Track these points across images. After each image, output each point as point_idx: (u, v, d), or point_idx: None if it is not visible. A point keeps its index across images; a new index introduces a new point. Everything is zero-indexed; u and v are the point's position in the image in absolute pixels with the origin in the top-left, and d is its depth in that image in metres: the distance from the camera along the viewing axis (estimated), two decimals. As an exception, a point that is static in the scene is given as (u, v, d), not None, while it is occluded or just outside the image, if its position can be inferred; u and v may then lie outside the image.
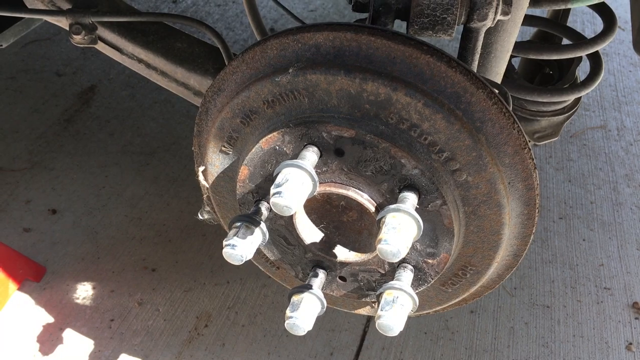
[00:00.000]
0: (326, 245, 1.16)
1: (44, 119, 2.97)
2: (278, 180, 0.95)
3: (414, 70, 0.98)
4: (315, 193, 0.99)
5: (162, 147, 2.84)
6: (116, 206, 2.54)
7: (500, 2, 1.12)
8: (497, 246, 1.10)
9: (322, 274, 1.16)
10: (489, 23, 1.14)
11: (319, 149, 1.01)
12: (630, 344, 2.12)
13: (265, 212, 1.09)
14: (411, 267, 1.09)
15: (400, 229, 0.94)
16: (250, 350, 2.06)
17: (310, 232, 1.15)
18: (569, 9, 1.91)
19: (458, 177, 1.02)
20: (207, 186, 1.26)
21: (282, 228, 1.15)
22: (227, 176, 1.21)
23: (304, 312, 1.07)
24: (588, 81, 1.71)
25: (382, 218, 0.96)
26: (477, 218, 1.06)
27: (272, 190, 0.94)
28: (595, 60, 1.76)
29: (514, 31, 1.30)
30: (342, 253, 1.15)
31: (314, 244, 1.15)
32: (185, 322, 2.14)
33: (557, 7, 1.61)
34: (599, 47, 1.65)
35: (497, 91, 1.02)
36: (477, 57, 1.22)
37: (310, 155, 1.00)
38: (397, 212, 0.95)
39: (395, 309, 1.00)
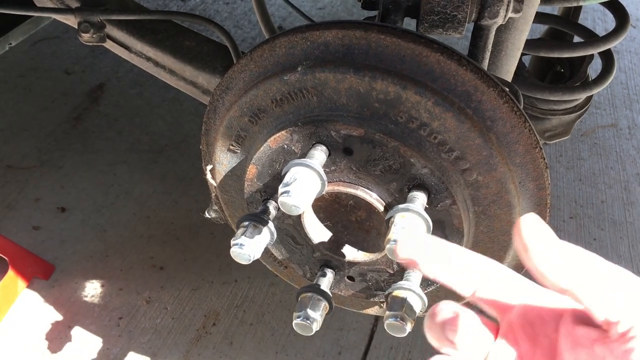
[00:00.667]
0: (334, 244, 1.15)
1: (52, 117, 2.98)
2: (286, 179, 0.94)
3: (424, 69, 0.97)
4: (324, 192, 0.99)
5: (170, 145, 2.84)
6: (124, 204, 2.55)
7: (512, 0, 1.11)
8: (507, 246, 1.08)
9: (330, 274, 1.15)
10: (500, 20, 1.13)
11: (327, 147, 1.00)
12: (642, 345, 2.10)
13: (273, 211, 1.08)
14: (420, 267, 1.08)
15: (409, 229, 0.93)
16: (258, 349, 2.06)
17: (318, 232, 1.15)
18: (580, 6, 1.89)
19: (468, 176, 1.00)
20: (215, 185, 1.25)
21: (290, 227, 1.15)
22: (235, 175, 1.21)
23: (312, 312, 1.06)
24: (600, 79, 1.69)
25: (391, 218, 0.95)
26: (487, 218, 1.05)
27: (281, 189, 0.93)
28: (607, 58, 1.74)
29: (525, 29, 1.29)
30: (351, 252, 1.15)
31: (322, 243, 1.14)
32: (193, 320, 2.14)
33: (568, 5, 1.59)
34: (611, 45, 1.63)
35: (507, 90, 1.00)
36: (487, 55, 1.20)
37: (319, 154, 0.99)
38: (407, 212, 0.94)
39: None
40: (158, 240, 2.41)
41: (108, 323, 2.12)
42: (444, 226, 1.02)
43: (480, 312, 0.65)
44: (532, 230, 0.57)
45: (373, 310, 1.29)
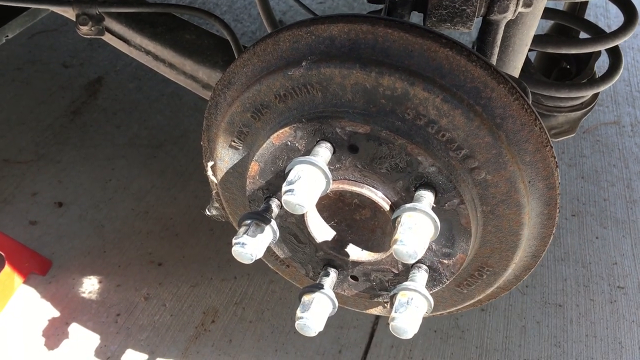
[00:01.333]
0: (338, 243, 1.13)
1: (50, 110, 2.95)
2: (290, 177, 0.92)
3: (432, 64, 0.94)
4: (328, 191, 0.96)
5: (169, 140, 2.81)
6: (122, 199, 2.52)
7: (522, -6, 1.08)
8: (515, 247, 1.06)
9: (333, 273, 1.13)
10: (509, 15, 1.10)
11: (332, 145, 0.98)
12: (644, 344, 2.08)
13: (275, 210, 1.06)
14: (426, 267, 1.06)
15: (416, 229, 0.90)
16: (258, 347, 2.04)
17: (321, 230, 1.12)
18: (586, 2, 1.86)
19: (476, 175, 0.98)
20: (216, 182, 1.23)
21: (293, 226, 1.12)
22: (236, 172, 1.18)
23: (315, 313, 1.04)
24: (607, 76, 1.66)
25: (397, 217, 0.93)
26: (495, 218, 1.03)
27: (284, 187, 0.91)
28: (615, 55, 1.71)
29: (534, 24, 1.26)
30: (355, 252, 1.12)
31: (325, 242, 1.12)
32: (192, 317, 2.12)
33: (575, 0, 1.56)
34: (619, 41, 1.61)
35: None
36: (496, 50, 1.18)
37: (323, 152, 0.97)
38: (414, 212, 0.92)
39: (410, 310, 0.96)
40: (156, 236, 2.38)
41: (106, 319, 2.10)
42: (451, 226, 1.00)
43: None
44: None
45: (377, 311, 1.26)
